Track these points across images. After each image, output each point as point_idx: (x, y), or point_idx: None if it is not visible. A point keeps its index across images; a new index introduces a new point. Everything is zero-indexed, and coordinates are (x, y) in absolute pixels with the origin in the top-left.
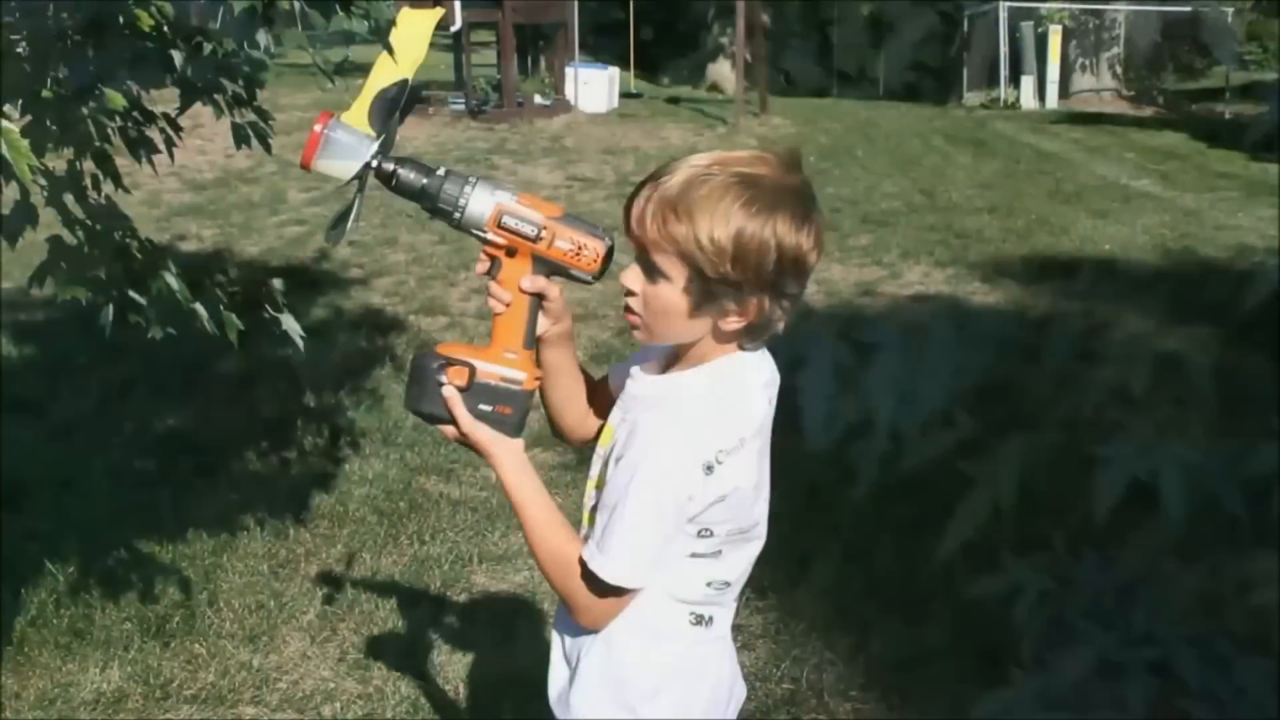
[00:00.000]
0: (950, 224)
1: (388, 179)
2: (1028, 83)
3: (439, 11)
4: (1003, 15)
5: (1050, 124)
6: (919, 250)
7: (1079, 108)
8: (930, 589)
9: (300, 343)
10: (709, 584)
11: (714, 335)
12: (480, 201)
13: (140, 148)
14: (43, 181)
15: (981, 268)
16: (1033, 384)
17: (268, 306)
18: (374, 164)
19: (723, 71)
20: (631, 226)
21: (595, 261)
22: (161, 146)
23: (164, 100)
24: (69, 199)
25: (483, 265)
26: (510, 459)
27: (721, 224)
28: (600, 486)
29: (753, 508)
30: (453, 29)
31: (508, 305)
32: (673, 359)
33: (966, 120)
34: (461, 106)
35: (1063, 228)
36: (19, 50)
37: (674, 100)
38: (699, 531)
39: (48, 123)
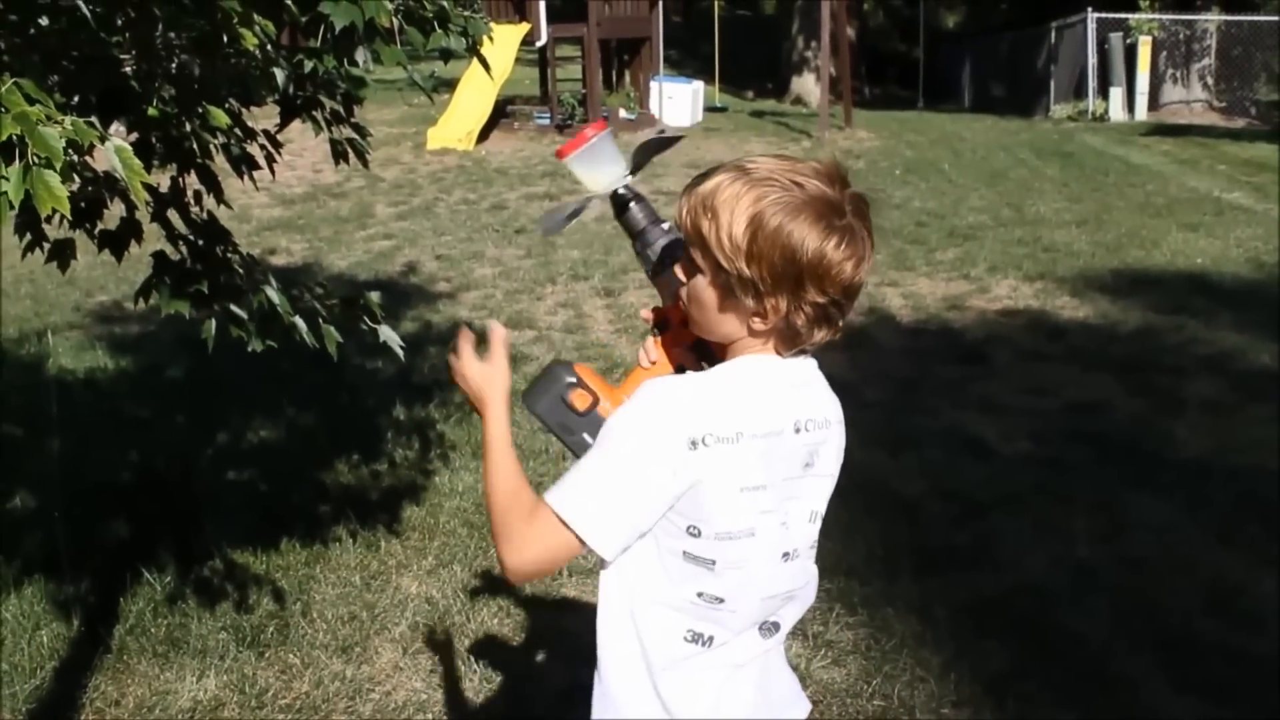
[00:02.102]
0: (1038, 237)
1: (621, 206)
2: (1116, 94)
3: (525, 27)
4: (1091, 26)
5: (1140, 136)
6: (1006, 264)
7: (1169, 119)
8: (1022, 608)
9: (400, 352)
10: (700, 594)
11: (750, 339)
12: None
13: (242, 164)
14: (148, 197)
15: (1070, 282)
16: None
17: (365, 318)
18: (618, 189)
19: (806, 85)
20: (679, 221)
21: None
22: (262, 162)
23: (263, 116)
24: (173, 214)
25: (649, 314)
26: (506, 411)
27: (740, 221)
28: None
29: (741, 513)
30: (538, 44)
31: (654, 364)
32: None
33: (1054, 133)
34: (546, 120)
35: (1153, 241)
36: (127, 69)
37: (758, 114)
38: (688, 528)
39: (153, 139)
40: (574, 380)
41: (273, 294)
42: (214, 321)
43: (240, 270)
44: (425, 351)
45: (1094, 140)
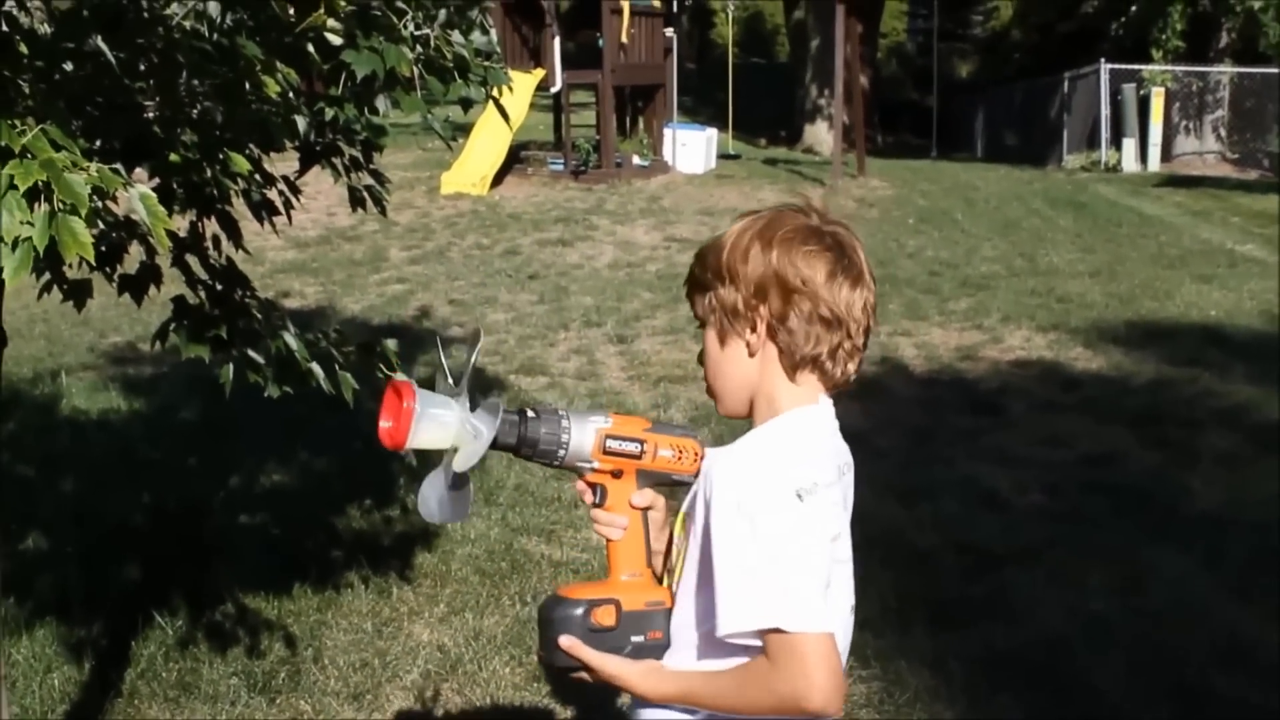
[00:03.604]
0: (1051, 288)
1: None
2: (1129, 145)
3: (540, 73)
4: (1104, 77)
5: (1152, 187)
6: (1020, 314)
7: (1182, 171)
8: (1037, 661)
9: None
10: None
11: (761, 375)
12: (582, 434)
13: (262, 210)
14: (170, 244)
15: (1084, 333)
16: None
17: (381, 365)
18: (472, 432)
19: (819, 133)
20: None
21: (695, 461)
22: (280, 208)
23: (281, 161)
24: (192, 259)
25: (589, 495)
26: (647, 681)
27: (717, 252)
28: (680, 573)
29: (830, 561)
30: (553, 90)
31: (624, 529)
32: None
33: (1067, 183)
34: (560, 166)
35: (1166, 293)
36: (150, 115)
37: (771, 161)
38: None
39: (175, 185)
40: (585, 607)
41: (290, 340)
42: (231, 366)
43: (258, 315)
44: None
45: (1107, 191)
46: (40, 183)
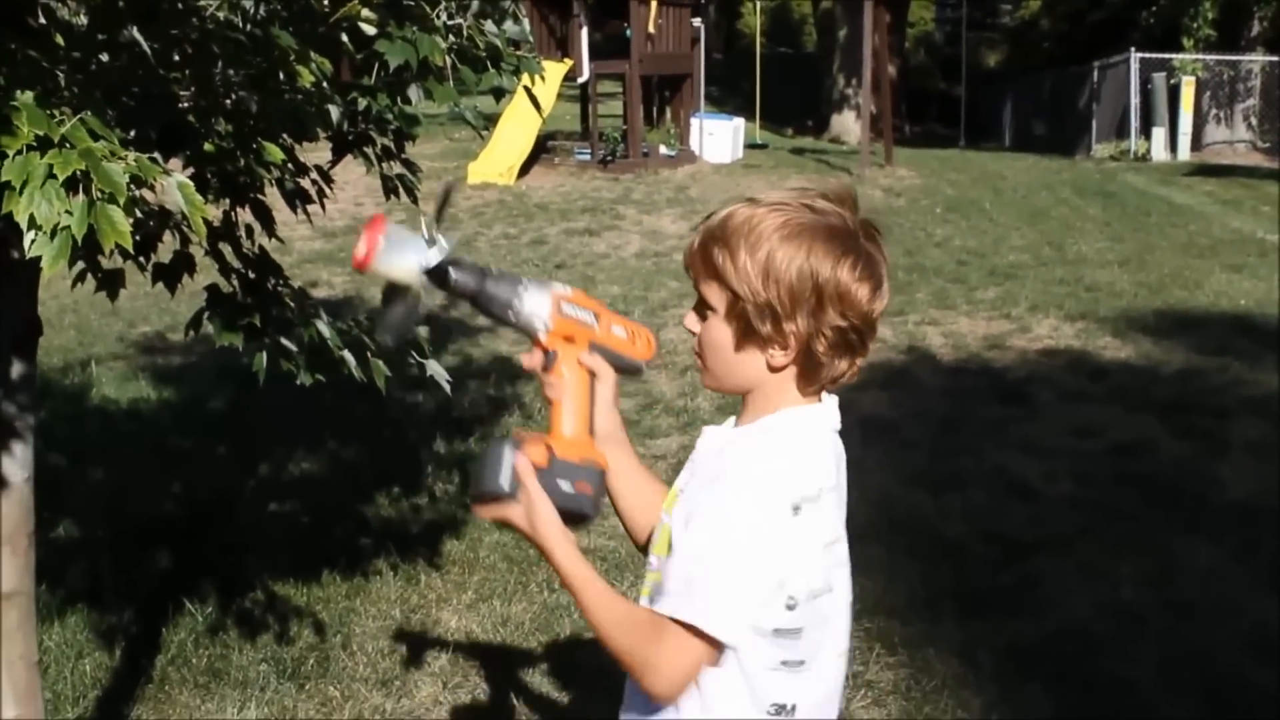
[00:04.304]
0: (1080, 277)
1: (440, 279)
2: (1159, 134)
3: (567, 63)
4: (1134, 66)
5: (1182, 176)
6: (1048, 304)
7: (1212, 160)
8: (1066, 652)
9: (447, 386)
10: (784, 662)
11: (771, 380)
12: (537, 296)
13: (295, 199)
14: (205, 231)
15: (1112, 322)
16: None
17: (414, 353)
18: (433, 266)
19: (847, 122)
20: (685, 264)
21: (648, 348)
22: (314, 196)
23: (312, 150)
24: (226, 248)
25: (532, 358)
26: (566, 540)
27: (755, 248)
28: (665, 551)
29: (827, 567)
30: (580, 80)
31: (568, 389)
32: (740, 418)
33: (1095, 172)
34: (587, 156)
35: (1196, 282)
36: (185, 104)
37: (798, 151)
38: (787, 601)
39: (209, 174)
40: (517, 443)
41: (323, 328)
42: (265, 354)
43: (290, 303)
44: (466, 386)
45: (1136, 180)
46: (79, 172)
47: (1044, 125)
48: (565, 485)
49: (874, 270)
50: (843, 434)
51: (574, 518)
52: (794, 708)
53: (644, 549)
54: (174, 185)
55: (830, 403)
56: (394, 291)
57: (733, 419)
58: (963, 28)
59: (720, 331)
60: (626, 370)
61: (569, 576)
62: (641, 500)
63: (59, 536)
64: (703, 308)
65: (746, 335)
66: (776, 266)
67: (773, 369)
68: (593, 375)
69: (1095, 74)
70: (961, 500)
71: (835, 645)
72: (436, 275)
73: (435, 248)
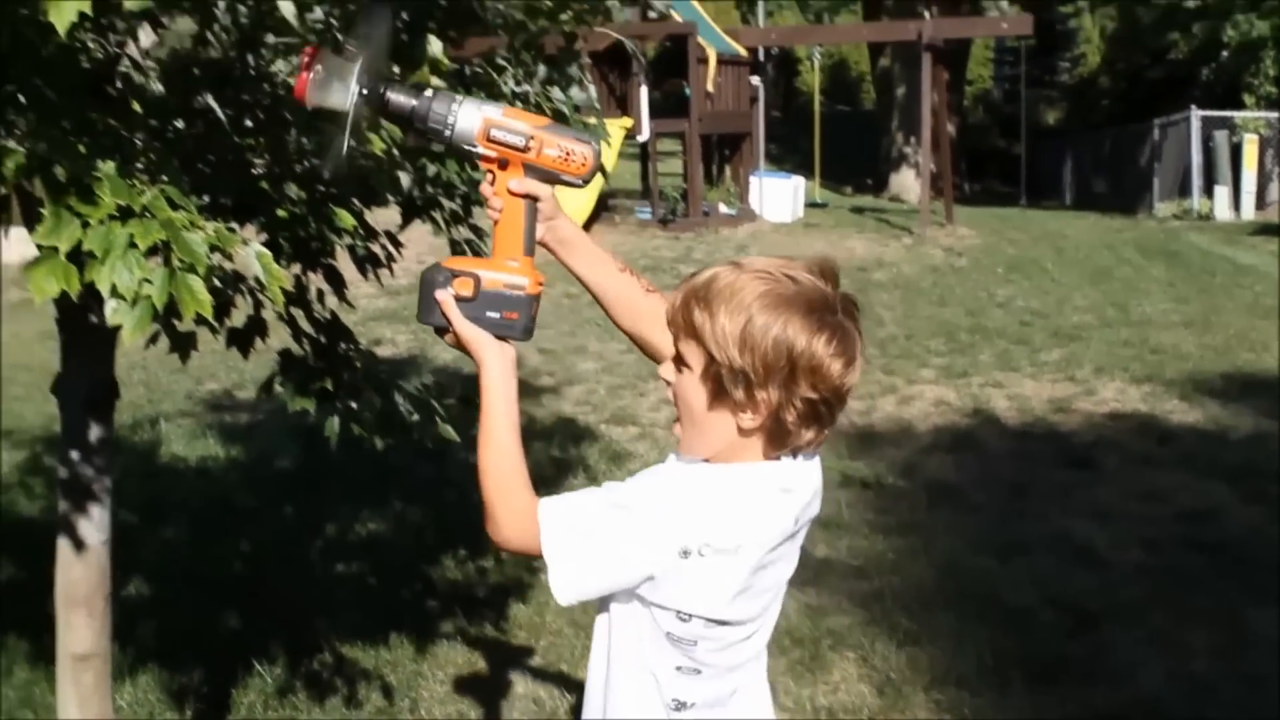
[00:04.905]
0: (1145, 339)
1: (379, 104)
2: (1222, 193)
3: (628, 122)
4: (1195, 124)
5: (1247, 235)
6: (1113, 366)
7: (1277, 219)
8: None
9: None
10: (678, 668)
11: (738, 441)
12: (468, 117)
13: (366, 263)
14: (283, 299)
15: (1179, 385)
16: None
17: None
18: (364, 90)
19: (906, 181)
20: (667, 317)
21: (584, 165)
22: (383, 260)
23: (382, 213)
24: (298, 312)
25: (486, 184)
26: (497, 362)
27: (735, 313)
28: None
29: (733, 609)
30: (640, 138)
31: (501, 213)
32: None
33: (1158, 231)
34: (648, 214)
35: (1263, 344)
36: (258, 170)
37: (858, 210)
38: (677, 613)
39: (281, 240)
40: (448, 275)
41: (393, 392)
42: (336, 419)
43: (361, 367)
44: (530, 448)
45: (1200, 239)
46: (159, 241)
47: (1105, 183)
48: (493, 314)
49: (848, 346)
50: (907, 496)
51: (508, 340)
52: (692, 705)
53: (627, 334)
54: (252, 255)
55: (791, 464)
56: (334, 118)
57: None
58: (1021, 85)
59: (694, 389)
60: (567, 184)
61: (482, 402)
62: (619, 302)
63: (129, 595)
64: (679, 363)
65: (718, 397)
66: (754, 335)
67: (741, 431)
68: (529, 198)
69: (1156, 132)
70: (1029, 566)
71: (738, 659)
72: (373, 99)
73: (362, 68)
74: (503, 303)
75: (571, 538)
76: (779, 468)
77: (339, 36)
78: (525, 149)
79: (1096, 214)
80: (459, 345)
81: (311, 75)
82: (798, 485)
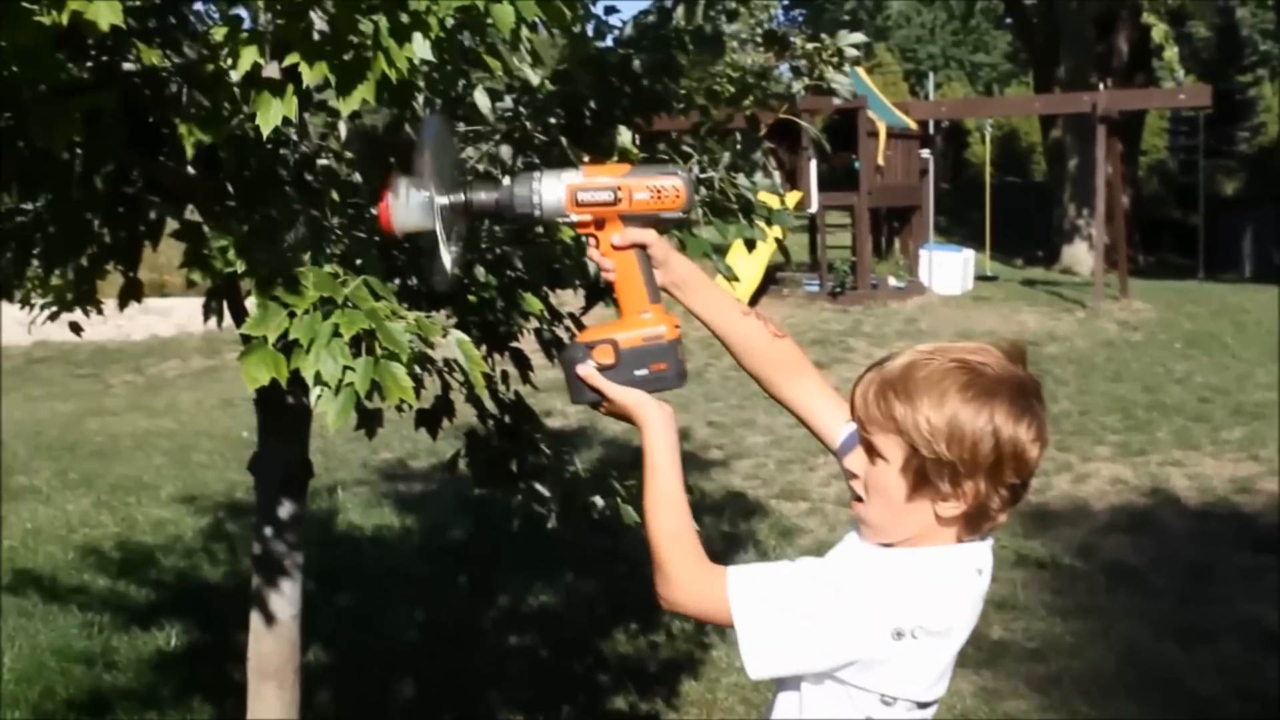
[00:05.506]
0: None
1: (464, 209)
2: None
3: (796, 195)
4: None
5: None
6: None
7: None
8: None
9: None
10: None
11: (935, 529)
12: (552, 190)
13: (552, 347)
14: (484, 385)
15: None
16: None
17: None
18: (445, 203)
19: (1078, 253)
20: (855, 408)
21: (678, 197)
22: (567, 344)
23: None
24: (485, 394)
25: (592, 249)
26: (656, 417)
27: (939, 406)
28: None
29: (936, 687)
30: (809, 211)
31: (615, 271)
32: None
33: None
34: (816, 287)
35: None
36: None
37: (1029, 282)
38: (881, 696)
39: (470, 324)
40: (585, 348)
41: (576, 474)
42: (519, 498)
43: (546, 450)
44: (699, 521)
45: None
46: (362, 330)
47: None
48: (641, 371)
49: (1044, 429)
50: (1084, 577)
51: (665, 391)
52: None
53: (765, 389)
54: (454, 342)
55: (981, 545)
56: (426, 238)
57: None
58: (1199, 155)
59: (892, 481)
60: (669, 222)
61: (645, 460)
62: (747, 348)
63: (308, 661)
64: (872, 454)
65: (919, 488)
66: (962, 427)
67: (940, 520)
68: (636, 247)
69: None
70: (1214, 654)
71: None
72: (456, 206)
73: (439, 185)
74: (647, 356)
75: (768, 609)
76: (974, 549)
77: (526, 125)
78: (616, 201)
79: (1278, 287)
80: (617, 414)
81: (391, 204)
82: (987, 566)
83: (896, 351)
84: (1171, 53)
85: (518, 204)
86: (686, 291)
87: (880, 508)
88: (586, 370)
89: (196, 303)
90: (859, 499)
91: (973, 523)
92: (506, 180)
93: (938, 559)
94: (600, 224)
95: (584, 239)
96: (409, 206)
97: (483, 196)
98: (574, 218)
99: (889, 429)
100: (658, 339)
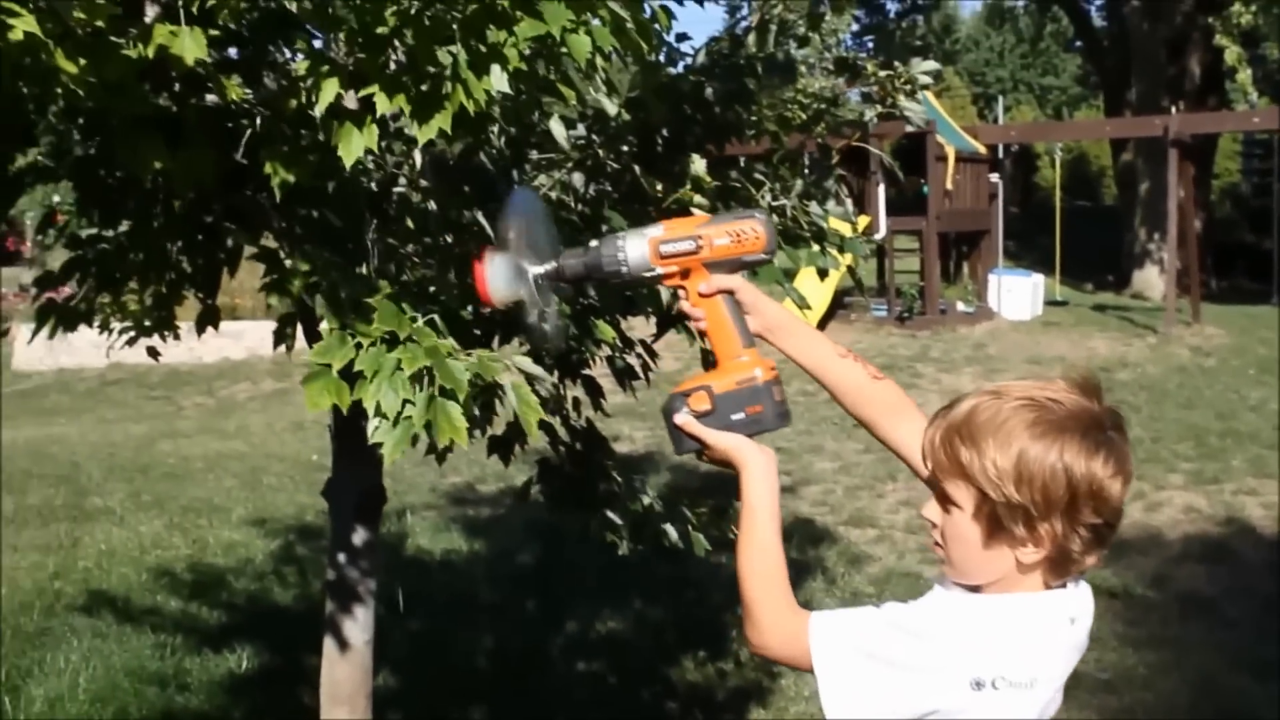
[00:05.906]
0: None
1: (557, 277)
2: None
3: (865, 220)
4: None
5: None
6: None
7: None
8: None
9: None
10: None
11: (1018, 576)
12: (636, 247)
13: (624, 376)
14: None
15: None
16: None
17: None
18: (540, 273)
19: (1149, 278)
20: (924, 455)
21: (759, 239)
22: (639, 371)
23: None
24: (556, 422)
25: (683, 301)
26: (757, 462)
27: (1005, 447)
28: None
29: None
30: (877, 236)
31: (705, 320)
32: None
33: None
34: (884, 312)
35: None
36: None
37: (1099, 308)
38: None
39: (543, 354)
40: (683, 397)
41: (650, 502)
42: (592, 526)
43: (618, 477)
44: None
45: None
46: (424, 368)
47: None
48: (738, 415)
49: (1124, 463)
50: (1157, 608)
51: (765, 434)
52: None
53: (867, 428)
54: (509, 386)
55: (1073, 591)
56: (524, 306)
57: None
58: (1273, 178)
59: (967, 529)
60: (753, 265)
61: (744, 503)
62: (842, 387)
63: (378, 686)
64: (945, 502)
65: (995, 534)
66: (1029, 467)
67: (1021, 566)
68: (724, 293)
69: None
70: None
71: None
72: (550, 275)
73: (534, 254)
74: (742, 400)
75: (849, 654)
76: (1063, 596)
77: (599, 153)
78: (698, 250)
79: None
80: (718, 460)
81: (486, 275)
82: (1081, 613)
83: (963, 395)
84: (1245, 75)
85: (605, 264)
86: (780, 335)
87: (960, 555)
88: (684, 419)
89: (268, 326)
90: (938, 544)
91: (1057, 567)
92: (594, 243)
93: (1022, 607)
94: (686, 274)
95: (675, 292)
96: (503, 278)
97: (572, 263)
98: (660, 270)
99: (958, 475)
100: (751, 382)
